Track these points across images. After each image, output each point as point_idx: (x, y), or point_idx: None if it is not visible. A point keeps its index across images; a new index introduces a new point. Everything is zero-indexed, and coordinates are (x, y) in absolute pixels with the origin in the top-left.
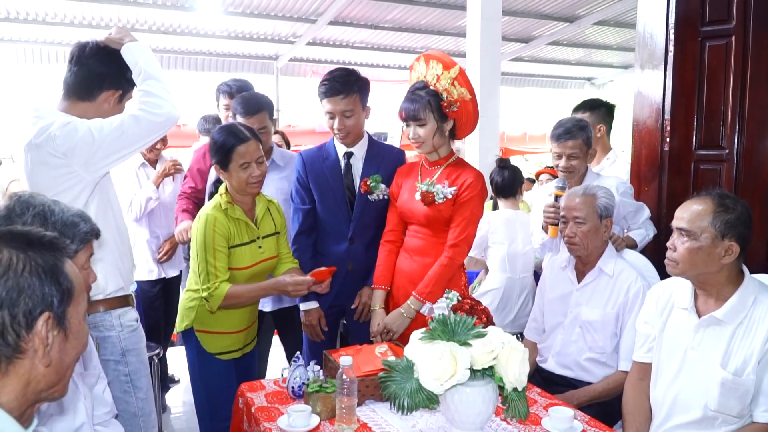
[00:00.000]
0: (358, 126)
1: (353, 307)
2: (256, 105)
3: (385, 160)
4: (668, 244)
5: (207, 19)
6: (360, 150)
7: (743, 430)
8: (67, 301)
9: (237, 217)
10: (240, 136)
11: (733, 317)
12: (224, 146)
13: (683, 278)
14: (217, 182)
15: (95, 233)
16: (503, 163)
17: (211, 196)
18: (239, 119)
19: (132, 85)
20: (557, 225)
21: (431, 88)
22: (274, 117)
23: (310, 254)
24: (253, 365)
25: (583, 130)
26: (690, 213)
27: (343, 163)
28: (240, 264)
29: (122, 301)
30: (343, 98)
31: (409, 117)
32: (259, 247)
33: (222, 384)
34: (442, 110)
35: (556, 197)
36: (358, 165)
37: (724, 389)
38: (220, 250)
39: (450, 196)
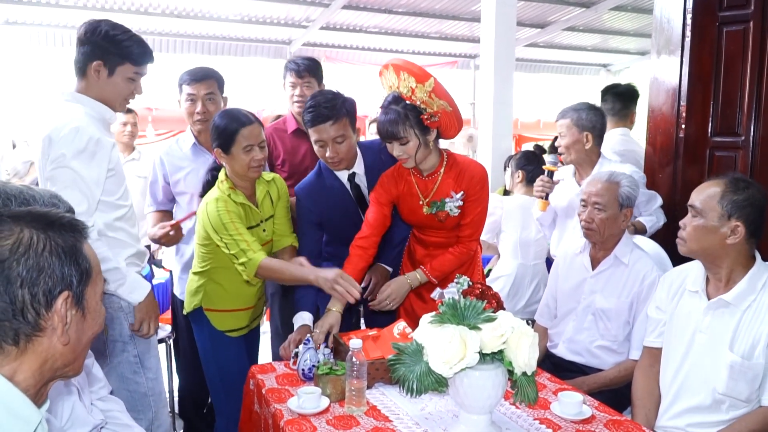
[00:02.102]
0: (351, 150)
1: (363, 285)
2: (202, 71)
3: (377, 159)
4: (680, 222)
5: (220, 2)
6: (360, 166)
7: (751, 415)
8: (85, 281)
9: (241, 202)
10: (243, 119)
11: (742, 300)
12: (227, 129)
13: (694, 258)
14: (213, 170)
15: (72, 211)
16: (543, 151)
17: (207, 183)
18: (185, 89)
19: (120, 57)
20: (547, 199)
21: (407, 101)
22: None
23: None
24: (256, 341)
25: (576, 111)
26: (701, 192)
27: (349, 185)
28: None
29: None
30: (332, 124)
31: (389, 136)
32: (263, 230)
33: (235, 360)
34: (422, 123)
35: (548, 172)
36: (362, 180)
37: (732, 372)
38: (240, 223)
39: (462, 204)
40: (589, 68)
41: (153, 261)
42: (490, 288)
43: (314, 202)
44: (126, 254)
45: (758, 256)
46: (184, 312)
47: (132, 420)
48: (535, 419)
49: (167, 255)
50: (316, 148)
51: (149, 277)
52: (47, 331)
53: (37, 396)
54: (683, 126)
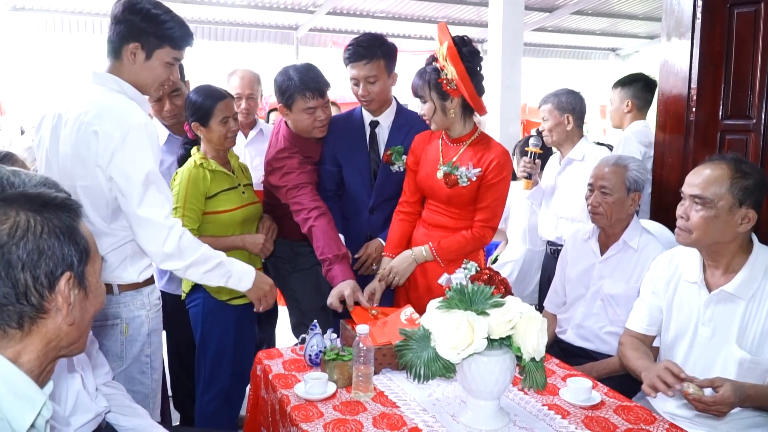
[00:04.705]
0: (383, 92)
1: (356, 256)
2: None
3: (413, 128)
4: (680, 212)
5: None
6: (386, 119)
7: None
8: (85, 260)
9: (214, 169)
10: (218, 94)
11: (745, 290)
12: (205, 104)
13: (693, 248)
14: (186, 143)
15: (67, 192)
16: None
17: (182, 157)
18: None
19: (159, 39)
20: (530, 179)
21: (436, 63)
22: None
23: (336, 216)
24: (251, 316)
25: (556, 96)
26: (704, 179)
27: (368, 132)
28: (229, 206)
29: (149, 280)
30: (366, 63)
31: (413, 92)
32: (243, 192)
33: (234, 330)
34: (441, 88)
35: (531, 153)
36: (384, 134)
37: (741, 369)
38: (190, 207)
39: (474, 179)
40: (598, 53)
41: None
42: (498, 273)
43: (336, 132)
44: (143, 264)
45: (755, 238)
46: (182, 293)
47: (134, 402)
48: (543, 405)
49: None
50: (351, 85)
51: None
52: (51, 312)
53: (41, 376)
54: (694, 109)
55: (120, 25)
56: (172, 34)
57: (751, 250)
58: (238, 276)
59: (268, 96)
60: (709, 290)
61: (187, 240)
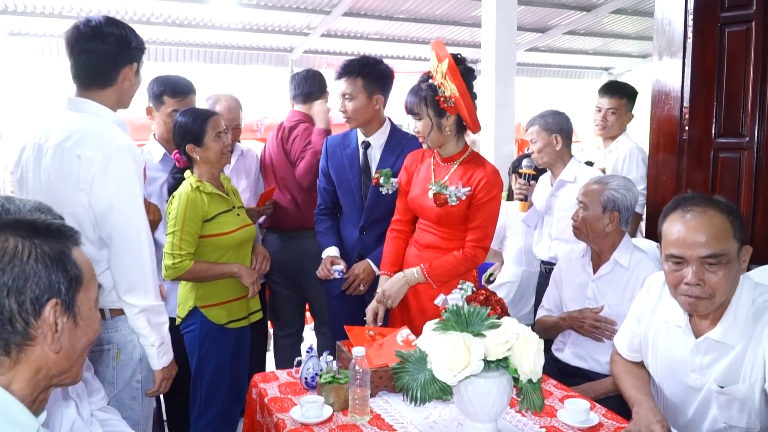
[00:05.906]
0: (360, 111)
1: (344, 277)
2: (188, 86)
3: (405, 150)
4: (690, 280)
5: (221, 11)
6: (378, 140)
7: None
8: (75, 287)
9: (210, 192)
10: (206, 113)
11: (733, 335)
12: (195, 124)
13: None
14: (175, 173)
15: (62, 218)
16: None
17: (172, 187)
18: (170, 103)
19: (141, 50)
20: (525, 201)
21: (432, 81)
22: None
23: (329, 227)
24: (247, 339)
25: (542, 117)
26: (709, 234)
27: (361, 152)
28: (227, 229)
29: None
30: (344, 81)
31: (407, 110)
32: (237, 214)
33: (230, 354)
34: (438, 105)
35: (525, 175)
36: (376, 155)
37: (719, 401)
38: (188, 231)
39: (464, 198)
40: (591, 72)
41: None
42: (494, 294)
43: (331, 151)
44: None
45: None
46: (177, 318)
47: (129, 428)
48: (541, 427)
49: None
50: None
51: None
52: (38, 339)
53: (35, 404)
54: (687, 128)
55: (103, 56)
56: (140, 40)
57: (735, 286)
58: (167, 347)
59: (264, 117)
60: (696, 335)
61: (158, 283)
